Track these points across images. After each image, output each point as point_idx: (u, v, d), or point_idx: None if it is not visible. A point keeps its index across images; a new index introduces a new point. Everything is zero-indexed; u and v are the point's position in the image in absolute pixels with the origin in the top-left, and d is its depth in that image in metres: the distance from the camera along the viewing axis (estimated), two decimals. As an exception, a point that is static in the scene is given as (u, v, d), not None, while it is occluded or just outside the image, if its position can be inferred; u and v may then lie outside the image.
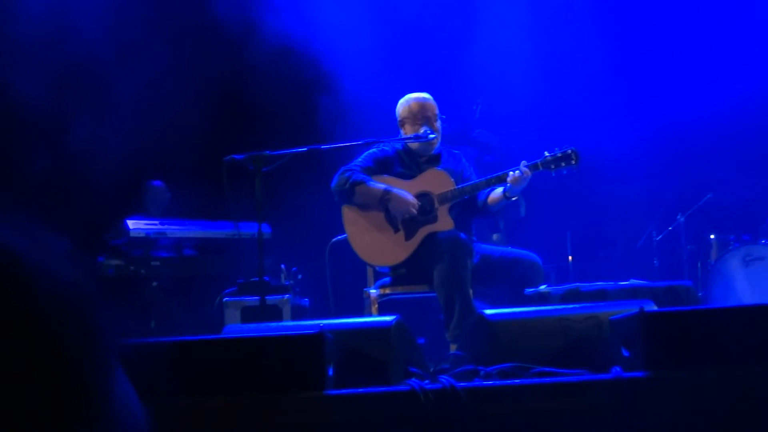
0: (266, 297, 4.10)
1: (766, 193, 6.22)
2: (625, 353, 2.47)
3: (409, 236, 4.40)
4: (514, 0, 6.92)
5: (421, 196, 4.43)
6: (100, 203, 6.24)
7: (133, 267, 5.98)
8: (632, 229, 7.06)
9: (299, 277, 5.39)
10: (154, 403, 2.14)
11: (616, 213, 7.30)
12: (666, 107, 6.97)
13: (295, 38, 6.12)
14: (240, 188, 4.03)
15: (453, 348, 3.99)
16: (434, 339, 4.87)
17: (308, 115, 6.37)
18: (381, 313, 4.39)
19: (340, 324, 2.81)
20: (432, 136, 4.51)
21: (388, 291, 4.47)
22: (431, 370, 2.89)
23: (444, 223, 4.39)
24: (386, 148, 4.64)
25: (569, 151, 4.39)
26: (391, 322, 2.76)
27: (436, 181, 4.46)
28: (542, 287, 4.00)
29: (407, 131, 4.59)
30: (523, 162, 4.34)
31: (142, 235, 5.89)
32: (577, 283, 3.90)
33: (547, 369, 2.57)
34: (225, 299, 4.99)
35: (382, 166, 4.58)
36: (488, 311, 2.96)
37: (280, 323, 3.98)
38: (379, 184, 4.43)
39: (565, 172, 4.42)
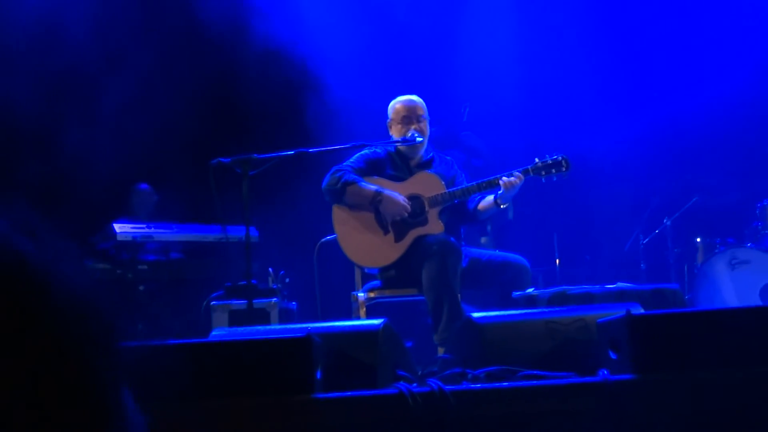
0: (254, 300, 4.10)
1: (752, 196, 6.26)
2: (612, 356, 2.47)
3: (398, 238, 4.40)
4: (502, 3, 6.94)
5: (412, 198, 4.44)
6: (87, 206, 6.21)
7: (120, 271, 5.95)
8: (619, 232, 7.08)
9: (287, 280, 5.38)
10: (142, 407, 2.13)
11: (603, 216, 7.32)
12: (653, 111, 7.00)
13: (282, 41, 6.11)
14: (227, 191, 4.03)
15: (441, 351, 3.99)
16: (422, 342, 4.87)
17: (296, 119, 6.37)
18: (369, 316, 4.39)
19: (328, 327, 2.81)
20: (419, 139, 4.52)
21: (376, 294, 4.47)
22: (419, 373, 2.89)
23: (434, 226, 4.40)
24: (378, 150, 4.65)
25: (560, 158, 4.42)
26: (379, 325, 2.76)
27: (427, 185, 4.47)
28: (530, 290, 4.01)
29: (395, 133, 4.61)
30: (515, 171, 4.36)
31: (129, 238, 5.86)
32: (565, 286, 3.91)
33: (535, 372, 2.57)
34: (212, 303, 4.97)
35: (374, 167, 4.58)
36: (476, 314, 2.96)
37: (268, 327, 3.97)
38: (370, 185, 4.44)
39: (555, 178, 4.44)
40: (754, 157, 6.68)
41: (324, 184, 4.48)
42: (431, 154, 4.71)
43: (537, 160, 4.44)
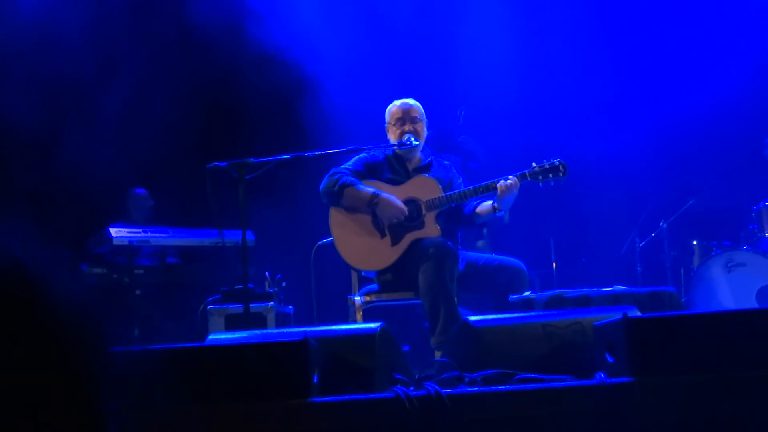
0: (250, 305, 4.09)
1: (748, 199, 6.27)
2: (609, 359, 2.47)
3: (395, 241, 4.40)
4: (498, 7, 6.95)
5: (409, 202, 4.44)
6: (83, 211, 6.21)
7: (116, 275, 5.95)
8: (615, 235, 7.09)
9: (283, 284, 5.37)
10: (139, 411, 2.13)
11: (600, 220, 7.33)
12: (649, 115, 7.02)
13: (279, 45, 6.12)
14: (224, 195, 4.02)
15: (438, 355, 3.99)
16: (419, 346, 4.87)
17: (292, 122, 6.37)
18: (366, 320, 4.38)
19: (325, 331, 2.80)
20: (416, 142, 4.52)
21: (372, 298, 4.47)
22: (416, 376, 2.89)
23: (431, 229, 4.40)
24: (376, 153, 4.65)
25: (557, 163, 4.41)
26: (375, 329, 2.76)
27: (424, 188, 4.47)
28: (526, 293, 4.00)
29: (391, 136, 4.61)
30: (511, 176, 4.36)
31: (126, 243, 5.86)
32: (561, 290, 3.90)
33: (532, 375, 2.57)
34: (209, 307, 4.97)
35: (372, 170, 4.58)
36: (473, 318, 2.96)
37: (265, 331, 3.97)
38: (368, 187, 4.44)
39: (552, 183, 4.44)
40: (750, 160, 6.69)
41: (321, 187, 4.49)
42: (430, 158, 4.71)
43: (534, 164, 4.44)
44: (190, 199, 5.64)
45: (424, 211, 4.42)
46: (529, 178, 4.41)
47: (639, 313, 2.76)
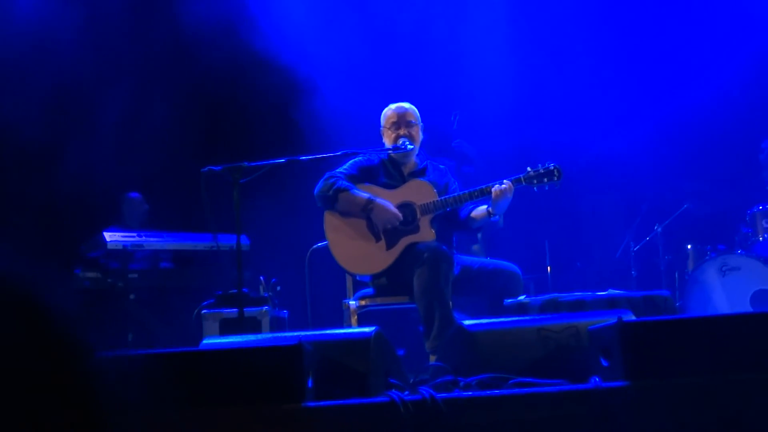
0: (245, 309, 4.09)
1: (742, 203, 6.28)
2: (604, 363, 2.47)
3: (390, 246, 4.40)
4: (492, 12, 6.96)
5: (404, 206, 4.44)
6: (77, 215, 6.20)
7: (110, 279, 5.93)
8: (610, 239, 7.10)
9: (278, 288, 5.36)
10: (133, 416, 2.12)
11: (594, 224, 7.34)
12: (643, 119, 7.03)
13: (273, 49, 6.12)
14: (218, 199, 4.02)
15: (432, 359, 3.99)
16: (414, 350, 4.86)
17: (287, 126, 6.37)
18: (360, 324, 4.38)
19: (320, 335, 2.80)
20: (410, 147, 4.52)
21: (367, 302, 4.47)
22: (411, 381, 2.89)
23: (425, 233, 4.39)
24: (371, 157, 4.65)
25: (552, 168, 4.42)
26: (370, 333, 2.76)
27: (419, 192, 4.47)
28: (521, 298, 4.00)
29: (386, 140, 4.62)
30: (506, 180, 4.36)
31: (120, 247, 5.84)
32: (556, 294, 3.90)
33: (527, 379, 2.57)
34: (203, 311, 4.96)
35: (367, 174, 4.58)
36: (467, 322, 2.96)
37: (259, 335, 3.96)
38: (362, 192, 4.44)
39: (547, 188, 4.44)
40: (744, 164, 6.71)
41: (316, 191, 4.48)
42: (425, 162, 4.71)
43: (529, 169, 4.44)
44: (185, 203, 5.63)
45: (419, 216, 4.42)
46: (524, 183, 4.42)
47: (634, 317, 2.77)
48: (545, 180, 4.42)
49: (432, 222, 4.43)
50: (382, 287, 4.47)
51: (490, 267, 4.43)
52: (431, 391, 2.32)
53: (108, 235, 5.87)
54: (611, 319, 2.44)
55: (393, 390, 2.45)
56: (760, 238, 6.01)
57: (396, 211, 4.40)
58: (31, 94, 5.89)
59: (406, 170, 4.64)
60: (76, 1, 5.99)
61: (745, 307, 5.72)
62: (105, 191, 6.40)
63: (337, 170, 4.56)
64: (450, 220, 4.57)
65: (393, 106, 4.66)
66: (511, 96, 6.82)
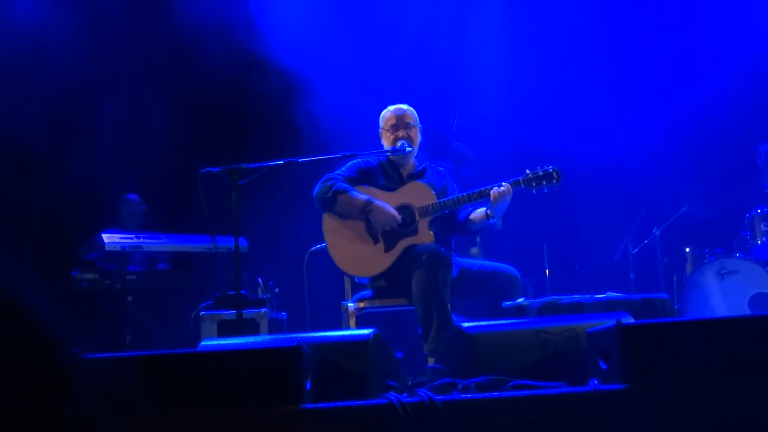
0: (243, 311, 4.08)
1: (740, 206, 6.29)
2: (603, 366, 2.47)
3: (388, 248, 4.40)
4: (491, 15, 6.96)
5: (403, 208, 4.44)
6: (75, 216, 6.19)
7: (108, 281, 5.93)
8: (609, 242, 7.11)
9: (276, 290, 5.36)
10: (130, 417, 2.11)
11: (593, 226, 7.35)
12: (641, 122, 7.03)
13: (271, 51, 6.12)
14: (216, 201, 4.01)
15: (431, 361, 3.98)
16: (412, 352, 4.86)
17: (285, 128, 6.37)
18: (359, 326, 4.37)
19: (318, 337, 2.80)
20: (409, 149, 4.52)
21: (366, 304, 4.46)
22: (409, 383, 2.88)
23: (424, 236, 4.39)
24: (370, 159, 4.65)
25: (551, 170, 4.42)
26: (368, 335, 2.76)
27: (418, 194, 4.47)
28: (520, 300, 4.00)
29: (385, 142, 4.62)
30: (504, 183, 4.36)
31: (118, 248, 5.84)
32: (554, 296, 3.91)
33: (525, 382, 2.57)
34: (201, 313, 4.96)
35: (365, 176, 4.58)
36: (466, 324, 2.95)
37: (257, 337, 3.96)
38: (361, 194, 4.43)
39: (545, 190, 4.44)
40: (743, 167, 6.72)
41: (315, 192, 4.48)
42: (424, 164, 4.71)
43: (528, 171, 4.44)
44: (183, 204, 5.62)
45: (417, 218, 4.42)
46: (522, 185, 4.42)
47: (632, 320, 2.76)
48: (544, 183, 4.42)
49: (431, 224, 4.43)
50: (380, 289, 4.46)
51: (488, 269, 4.43)
52: (429, 393, 2.32)
53: (106, 237, 5.87)
54: (610, 322, 2.44)
55: (391, 392, 2.45)
56: (759, 242, 6.02)
57: (395, 212, 4.40)
58: (30, 96, 5.89)
59: (404, 172, 4.64)
60: (75, 5, 5.99)
61: (744, 310, 5.72)
62: (103, 192, 6.40)
63: (336, 172, 4.56)
64: (448, 223, 4.57)
65: (391, 107, 4.66)
66: (509, 98, 6.82)
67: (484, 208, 4.45)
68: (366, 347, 2.70)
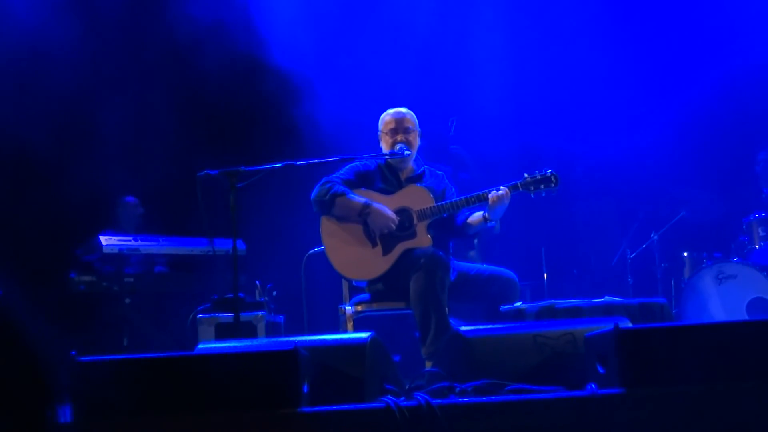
0: (241, 313, 4.08)
1: (738, 211, 6.30)
2: (600, 370, 2.47)
3: (386, 251, 4.39)
4: (489, 19, 6.97)
5: (401, 211, 4.44)
6: (73, 219, 6.19)
7: (105, 283, 5.92)
8: (607, 246, 7.11)
9: (274, 293, 5.36)
10: (126, 420, 2.11)
11: (591, 231, 7.35)
12: (639, 126, 7.04)
13: (270, 54, 6.12)
14: (214, 204, 4.01)
15: (428, 365, 3.98)
16: (410, 356, 4.86)
17: (284, 131, 6.37)
18: (356, 329, 4.37)
19: (316, 341, 2.80)
20: (408, 152, 4.52)
21: (363, 308, 4.46)
22: (407, 387, 2.89)
23: (422, 239, 4.39)
24: (368, 162, 4.65)
25: (549, 174, 4.42)
26: (366, 339, 2.76)
27: (416, 198, 4.47)
28: (518, 304, 4.00)
29: (384, 145, 4.62)
30: (502, 186, 4.37)
31: (115, 251, 5.84)
32: (552, 300, 3.91)
33: (523, 386, 2.57)
34: (199, 316, 4.96)
35: (363, 180, 4.58)
36: (464, 328, 2.96)
37: (255, 340, 3.96)
38: (359, 197, 4.43)
39: (544, 194, 4.44)
40: (741, 172, 6.72)
41: (313, 195, 4.48)
42: (423, 168, 4.71)
43: (526, 175, 4.44)
44: (181, 207, 5.62)
45: (415, 221, 4.42)
46: (520, 189, 4.41)
47: (630, 325, 2.77)
48: (542, 186, 4.42)
49: (428, 228, 4.43)
50: (378, 293, 4.46)
51: (486, 273, 4.43)
52: (427, 397, 2.32)
53: (104, 239, 5.87)
54: (608, 326, 2.44)
55: (388, 396, 2.45)
56: (757, 246, 6.02)
57: (392, 215, 4.40)
58: (30, 99, 5.90)
59: (403, 176, 4.64)
60: (75, 10, 5.99)
61: (741, 314, 5.72)
62: (101, 195, 6.39)
63: (334, 175, 4.56)
64: (446, 226, 4.57)
65: (391, 111, 4.66)
66: (508, 102, 6.83)
67: (481, 212, 4.45)
68: (363, 351, 2.70)
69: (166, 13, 6.28)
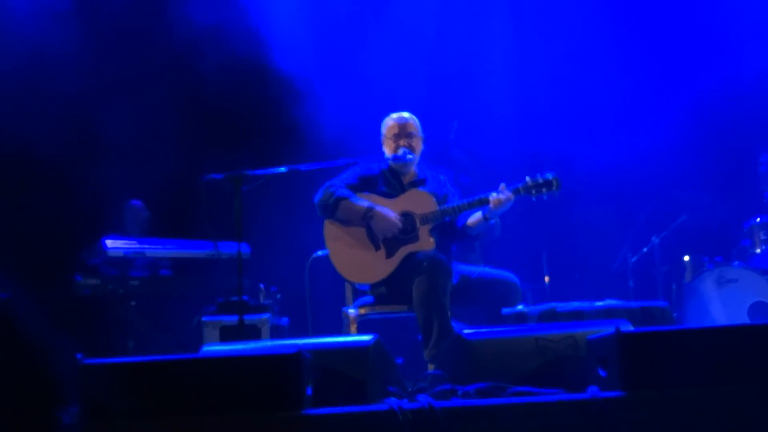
0: (245, 316, 4.10)
1: (739, 215, 6.30)
2: (602, 373, 2.49)
3: (389, 254, 4.41)
4: (490, 22, 6.99)
5: (404, 215, 4.46)
6: (78, 222, 6.21)
7: (110, 286, 5.94)
8: (608, 250, 7.11)
9: (278, 296, 5.38)
10: (133, 422, 2.14)
11: (592, 234, 7.35)
12: (640, 130, 7.05)
13: (274, 58, 6.14)
14: (219, 208, 4.03)
15: (431, 367, 4.00)
16: (412, 359, 4.88)
17: (288, 135, 6.39)
18: (360, 332, 4.39)
19: (319, 344, 2.81)
20: (410, 156, 4.54)
21: (366, 311, 4.48)
22: (409, 389, 2.90)
23: (425, 243, 4.41)
24: (371, 166, 4.67)
25: (550, 178, 4.42)
26: (369, 341, 2.77)
27: (419, 202, 4.49)
28: (519, 307, 4.02)
29: (387, 149, 4.64)
30: (503, 185, 4.38)
31: (120, 254, 5.85)
32: (554, 303, 3.92)
33: (524, 388, 2.58)
34: (204, 319, 4.97)
35: (367, 183, 4.60)
36: (466, 331, 2.97)
37: (259, 343, 3.98)
38: (362, 201, 4.45)
39: (545, 197, 4.45)
40: (742, 175, 6.73)
41: (316, 199, 4.50)
42: (425, 173, 4.73)
43: (528, 178, 4.45)
44: (186, 211, 5.64)
45: (418, 225, 4.44)
46: (522, 193, 4.42)
47: (631, 328, 2.78)
48: (544, 190, 4.43)
49: (431, 231, 4.44)
50: (381, 296, 4.48)
51: (488, 276, 4.44)
52: (429, 399, 2.34)
53: (109, 242, 5.89)
54: (609, 330, 2.46)
55: (391, 398, 2.47)
56: (758, 250, 6.03)
57: (396, 218, 4.42)
58: (34, 104, 5.92)
59: (405, 180, 4.66)
60: (78, 15, 6.02)
61: (743, 318, 5.73)
62: (106, 198, 6.42)
63: (338, 179, 4.58)
64: (449, 230, 4.59)
65: (394, 115, 4.68)
66: (509, 106, 6.84)
67: (480, 212, 4.46)
68: (367, 353, 2.72)
69: (168, 17, 6.30)
